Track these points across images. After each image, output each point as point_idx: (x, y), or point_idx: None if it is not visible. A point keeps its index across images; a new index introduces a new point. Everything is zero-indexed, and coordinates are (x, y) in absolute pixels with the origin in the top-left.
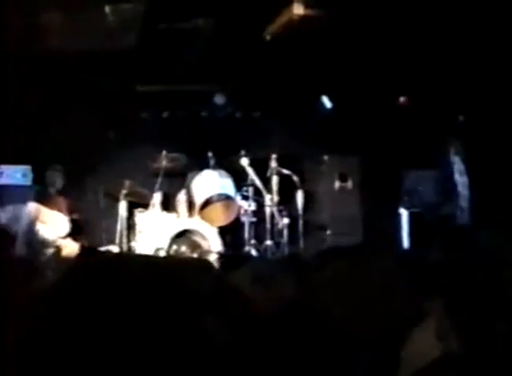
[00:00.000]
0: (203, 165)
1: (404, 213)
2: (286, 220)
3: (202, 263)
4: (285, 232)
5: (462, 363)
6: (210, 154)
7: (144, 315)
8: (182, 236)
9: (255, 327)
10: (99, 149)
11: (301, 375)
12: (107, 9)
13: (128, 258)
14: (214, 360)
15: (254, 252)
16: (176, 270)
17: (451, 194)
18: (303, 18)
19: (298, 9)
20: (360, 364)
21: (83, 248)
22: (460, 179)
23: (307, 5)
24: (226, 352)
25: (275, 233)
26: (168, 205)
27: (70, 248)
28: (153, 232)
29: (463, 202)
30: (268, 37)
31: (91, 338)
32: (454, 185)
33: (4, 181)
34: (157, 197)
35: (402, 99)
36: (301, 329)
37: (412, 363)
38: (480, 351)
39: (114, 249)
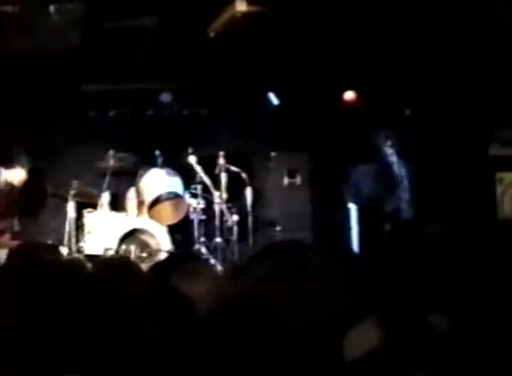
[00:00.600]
0: (151, 164)
1: (352, 208)
2: (235, 217)
3: (124, 263)
4: (234, 229)
5: (400, 351)
6: (157, 153)
7: (65, 317)
8: (131, 235)
9: (187, 325)
10: (46, 149)
11: (243, 370)
12: (52, 8)
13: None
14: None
15: (203, 250)
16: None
17: (391, 188)
18: (246, 15)
19: (241, 6)
20: (302, 355)
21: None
22: (397, 173)
23: (249, 2)
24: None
25: (225, 231)
26: (117, 205)
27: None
28: (101, 232)
29: (404, 195)
30: (212, 35)
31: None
32: (393, 178)
33: None
34: (106, 197)
35: (347, 94)
36: (237, 326)
37: (354, 351)
38: (417, 339)
39: (63, 250)
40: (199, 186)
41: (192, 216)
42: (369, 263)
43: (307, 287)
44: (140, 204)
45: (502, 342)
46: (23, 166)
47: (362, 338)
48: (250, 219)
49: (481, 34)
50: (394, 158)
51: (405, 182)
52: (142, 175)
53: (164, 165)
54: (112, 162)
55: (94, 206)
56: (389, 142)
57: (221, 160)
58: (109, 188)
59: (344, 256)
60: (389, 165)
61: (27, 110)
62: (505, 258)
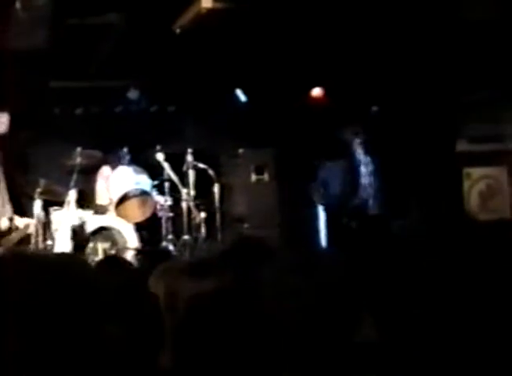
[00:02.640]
0: (118, 161)
1: (319, 204)
2: (203, 214)
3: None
4: (202, 226)
5: (380, 349)
6: (125, 150)
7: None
8: (99, 233)
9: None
10: (12, 146)
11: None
12: (18, 4)
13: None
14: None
15: (171, 247)
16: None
17: (355, 186)
18: (212, 11)
19: (207, 2)
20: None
21: None
22: (364, 170)
23: None
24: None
25: (193, 228)
26: (84, 202)
27: None
28: (69, 230)
29: (371, 191)
30: (178, 31)
31: None
32: (358, 176)
33: None
34: (72, 195)
35: (315, 90)
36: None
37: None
38: (397, 337)
39: (29, 248)
40: (166, 183)
41: (160, 213)
42: (337, 259)
43: (275, 283)
44: (107, 201)
45: (473, 333)
46: None
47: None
48: (217, 216)
49: (448, 31)
50: (361, 155)
51: (373, 179)
52: (104, 173)
53: (132, 162)
54: (79, 160)
55: (61, 204)
56: (357, 139)
57: (189, 158)
58: (76, 185)
59: (311, 252)
60: (356, 162)
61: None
62: (471, 252)
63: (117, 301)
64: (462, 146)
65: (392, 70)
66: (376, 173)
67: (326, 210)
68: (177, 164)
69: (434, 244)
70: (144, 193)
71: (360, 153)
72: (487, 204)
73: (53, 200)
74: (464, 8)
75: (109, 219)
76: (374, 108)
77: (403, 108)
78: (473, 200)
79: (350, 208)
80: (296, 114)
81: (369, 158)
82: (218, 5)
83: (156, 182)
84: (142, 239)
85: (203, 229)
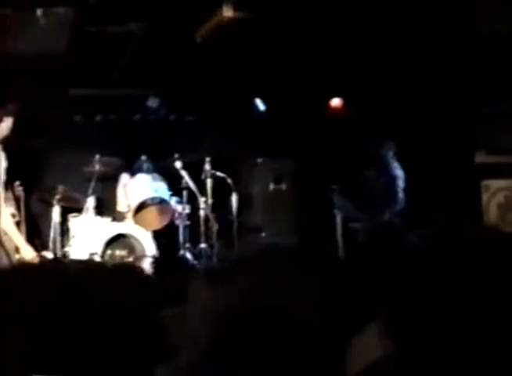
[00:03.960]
0: (136, 169)
1: (338, 215)
2: (220, 223)
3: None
4: (219, 234)
5: (400, 364)
6: (143, 158)
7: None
8: (117, 240)
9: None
10: (32, 153)
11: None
12: (39, 12)
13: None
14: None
15: (188, 256)
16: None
17: (391, 199)
18: (232, 20)
19: (228, 12)
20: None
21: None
22: (401, 185)
23: (236, 8)
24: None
25: (210, 236)
26: (102, 209)
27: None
28: (87, 236)
29: (400, 207)
30: (199, 40)
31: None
32: (396, 189)
33: None
34: (91, 202)
35: (334, 101)
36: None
37: (355, 364)
38: (414, 352)
39: (48, 255)
40: (184, 192)
41: (178, 221)
42: (354, 269)
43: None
44: (126, 208)
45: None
46: None
47: (367, 347)
48: (235, 225)
49: (467, 44)
50: (397, 169)
51: (403, 196)
52: (123, 180)
53: (150, 170)
54: (98, 167)
55: (79, 211)
56: (391, 153)
57: (207, 166)
58: (94, 193)
59: (328, 262)
60: (394, 178)
61: (14, 114)
62: (490, 265)
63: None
64: (480, 158)
65: (412, 81)
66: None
67: (344, 219)
68: (195, 172)
69: (452, 256)
70: (162, 201)
71: (396, 168)
72: (506, 216)
73: (72, 207)
74: (480, 21)
75: (127, 227)
76: (394, 119)
77: (422, 120)
78: (491, 213)
79: (384, 222)
80: (315, 124)
81: (402, 173)
82: (239, 14)
83: (173, 191)
84: (159, 247)
85: (220, 238)
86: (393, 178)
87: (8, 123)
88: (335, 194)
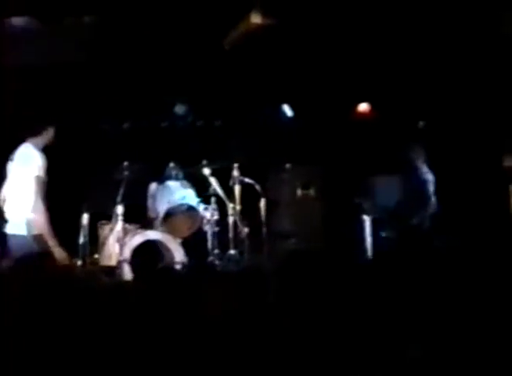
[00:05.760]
0: (165, 176)
1: (367, 220)
2: (248, 229)
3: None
4: (248, 241)
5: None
6: (172, 164)
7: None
8: (145, 247)
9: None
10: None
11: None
12: (67, 21)
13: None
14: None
15: (217, 262)
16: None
17: (421, 203)
18: (261, 27)
19: (256, 18)
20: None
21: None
22: (431, 188)
23: (265, 14)
24: None
25: (239, 242)
26: (131, 216)
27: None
28: (115, 243)
29: (431, 211)
30: (227, 47)
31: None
32: (426, 193)
33: None
34: (120, 209)
35: (361, 106)
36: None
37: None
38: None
39: (77, 261)
40: (213, 198)
41: (206, 228)
42: (382, 275)
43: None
44: (154, 215)
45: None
46: None
47: None
48: (263, 231)
49: (494, 47)
50: (428, 173)
51: (433, 199)
52: (155, 187)
53: (178, 177)
54: (126, 174)
55: (108, 217)
56: (419, 157)
57: (235, 172)
58: (123, 199)
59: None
60: (423, 181)
61: (40, 122)
62: None
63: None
64: (509, 161)
65: (439, 86)
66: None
67: (374, 224)
68: (223, 178)
69: (480, 261)
70: (190, 208)
71: (426, 172)
72: None
73: (100, 214)
74: (506, 23)
75: (156, 234)
76: (421, 123)
77: (450, 123)
78: None
79: (413, 226)
80: (342, 130)
81: (431, 176)
82: (267, 21)
83: (202, 197)
84: (188, 253)
85: (248, 244)
86: (423, 183)
87: (50, 133)
88: (363, 199)
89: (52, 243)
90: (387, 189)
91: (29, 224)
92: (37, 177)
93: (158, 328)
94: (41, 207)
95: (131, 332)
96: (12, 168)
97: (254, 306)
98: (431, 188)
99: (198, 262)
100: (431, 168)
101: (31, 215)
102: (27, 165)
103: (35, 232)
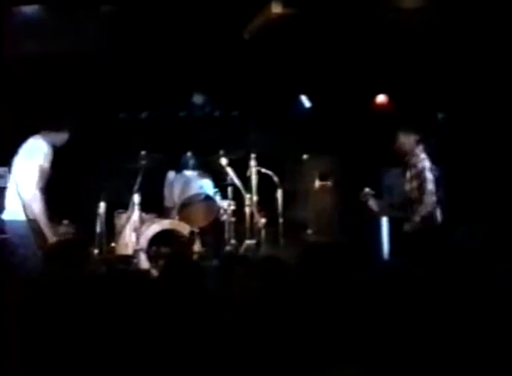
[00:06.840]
0: (182, 165)
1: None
2: (265, 219)
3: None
4: (265, 231)
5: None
6: (189, 154)
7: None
8: (162, 236)
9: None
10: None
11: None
12: (81, 12)
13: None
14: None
15: (234, 252)
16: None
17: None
18: (281, 17)
19: (277, 8)
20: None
21: None
22: (429, 176)
23: (285, 4)
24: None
25: (255, 233)
26: (148, 206)
27: None
28: (132, 232)
29: (430, 199)
30: (246, 37)
31: None
32: (441, 187)
33: None
34: (137, 198)
35: (379, 97)
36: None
37: None
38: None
39: (94, 250)
40: (230, 188)
41: (223, 218)
42: (400, 268)
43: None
44: (171, 205)
45: None
46: None
47: None
48: (280, 221)
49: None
50: (426, 163)
51: (432, 188)
52: (173, 177)
53: (196, 167)
54: (143, 163)
55: (125, 206)
56: (421, 147)
57: (253, 162)
58: (140, 189)
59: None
60: (422, 169)
61: (58, 113)
62: None
63: None
64: None
65: (457, 78)
66: (440, 181)
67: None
68: (240, 168)
69: (497, 254)
70: (207, 198)
71: (425, 159)
72: None
73: (116, 203)
74: None
75: (173, 223)
76: (439, 115)
77: (467, 115)
78: None
79: (428, 218)
80: (360, 121)
81: (432, 164)
82: (288, 10)
83: (219, 187)
84: (205, 243)
85: (265, 235)
86: (421, 170)
87: (63, 135)
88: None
89: (47, 230)
90: (400, 180)
91: (25, 210)
92: (41, 166)
93: (179, 316)
94: (39, 195)
95: (151, 321)
96: (18, 160)
97: (274, 297)
98: (429, 176)
99: (215, 252)
100: (446, 161)
101: (28, 202)
102: (32, 157)
103: (31, 217)
